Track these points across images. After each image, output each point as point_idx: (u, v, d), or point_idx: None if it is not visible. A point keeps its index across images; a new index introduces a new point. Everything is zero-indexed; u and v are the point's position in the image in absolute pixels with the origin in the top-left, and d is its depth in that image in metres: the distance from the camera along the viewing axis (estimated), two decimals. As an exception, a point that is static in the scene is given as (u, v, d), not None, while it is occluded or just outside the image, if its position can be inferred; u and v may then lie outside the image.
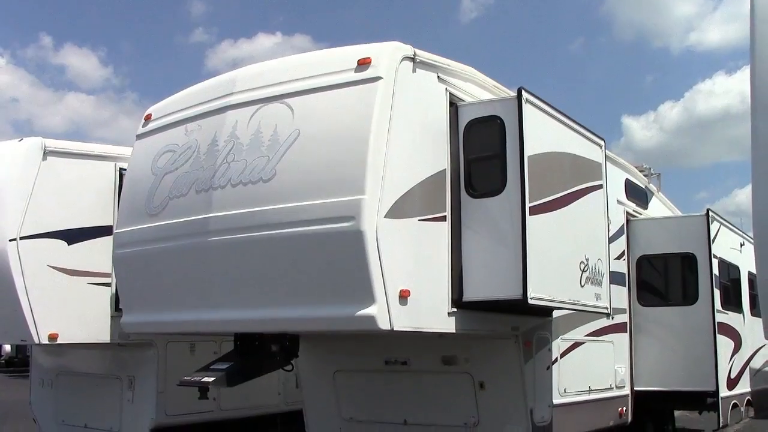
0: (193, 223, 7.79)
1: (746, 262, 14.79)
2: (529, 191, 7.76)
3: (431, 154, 7.72)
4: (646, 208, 13.84)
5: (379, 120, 7.06)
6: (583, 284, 8.94)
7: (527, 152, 7.78)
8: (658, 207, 14.65)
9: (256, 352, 8.24)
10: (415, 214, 7.37)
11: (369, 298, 6.76)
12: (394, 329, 6.87)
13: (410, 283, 7.09)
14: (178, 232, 7.94)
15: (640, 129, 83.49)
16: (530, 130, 7.86)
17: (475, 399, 9.29)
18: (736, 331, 13.59)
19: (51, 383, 12.83)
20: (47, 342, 10.61)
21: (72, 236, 10.92)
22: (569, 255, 8.73)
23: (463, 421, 9.42)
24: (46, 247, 10.57)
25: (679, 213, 16.11)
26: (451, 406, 9.54)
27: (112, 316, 11.11)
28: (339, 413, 10.39)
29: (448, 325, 7.71)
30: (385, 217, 6.92)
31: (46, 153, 10.75)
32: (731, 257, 13.77)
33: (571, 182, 8.92)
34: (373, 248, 6.77)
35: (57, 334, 10.59)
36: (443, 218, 7.76)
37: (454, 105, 8.16)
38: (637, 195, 13.43)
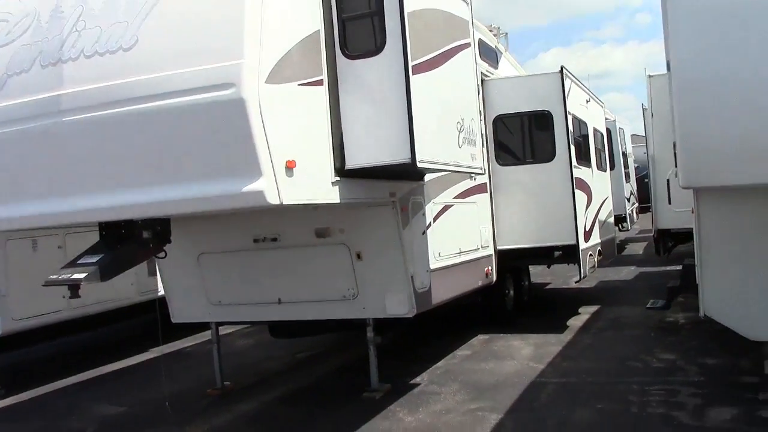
0: (41, 102, 6.87)
1: (592, 119, 15.10)
2: (411, 50, 7.33)
3: (305, 13, 7.13)
4: (497, 68, 13.76)
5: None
6: (460, 145, 8.72)
7: (407, 8, 7.31)
8: (507, 67, 14.63)
9: (126, 241, 7.58)
10: (294, 78, 6.80)
11: (255, 172, 6.23)
12: (283, 203, 6.40)
13: (295, 153, 6.60)
14: (22, 114, 6.97)
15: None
16: (408, -18, 7.36)
17: (353, 270, 9.05)
18: (588, 185, 13.92)
19: None
20: None
21: None
22: (447, 116, 8.44)
23: (342, 294, 9.20)
24: None
25: (524, 72, 16.19)
26: (327, 280, 9.27)
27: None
28: (206, 298, 9.96)
29: (333, 195, 7.30)
30: (265, 82, 6.35)
31: None
32: (581, 114, 13.95)
33: (445, 41, 8.53)
34: (257, 117, 6.19)
35: None
36: (320, 82, 7.24)
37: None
38: (489, 55, 13.33)
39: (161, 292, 12.50)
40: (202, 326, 11.70)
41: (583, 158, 13.86)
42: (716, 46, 6.30)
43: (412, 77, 7.27)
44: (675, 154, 6.74)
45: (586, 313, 13.93)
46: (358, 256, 8.98)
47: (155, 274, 12.88)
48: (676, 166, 6.84)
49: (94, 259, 7.29)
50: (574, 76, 13.53)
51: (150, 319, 14.20)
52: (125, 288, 12.47)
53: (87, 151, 6.80)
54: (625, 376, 9.36)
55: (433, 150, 7.76)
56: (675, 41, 6.36)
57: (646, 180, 31.16)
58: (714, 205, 7.23)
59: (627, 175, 26.04)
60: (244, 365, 11.85)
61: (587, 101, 14.91)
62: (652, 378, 9.12)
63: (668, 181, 13.73)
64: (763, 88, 6.00)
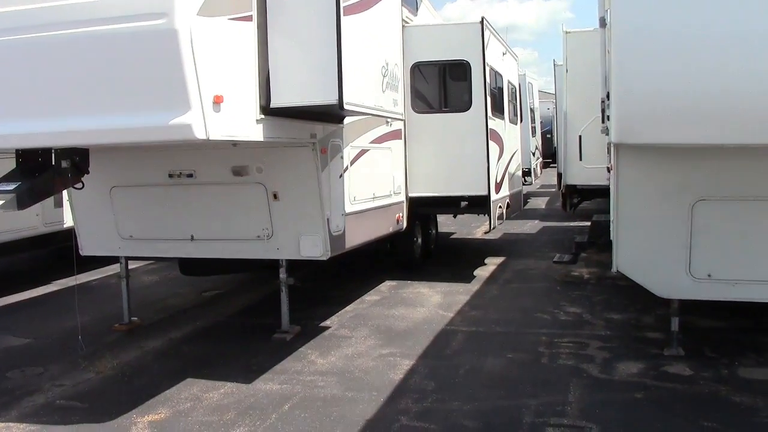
0: (-41, 20, 6.60)
1: (507, 71, 15.26)
2: (342, -10, 7.26)
3: (235, -55, 6.97)
4: (417, 16, 13.72)
5: None
6: (384, 90, 8.74)
7: (336, -53, 7.20)
8: (427, 15, 14.58)
9: (43, 170, 7.35)
10: (224, 12, 6.66)
11: (183, 105, 6.10)
12: (210, 138, 6.29)
13: (223, 89, 6.48)
14: None
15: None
16: None
17: (269, 210, 9.00)
18: (501, 137, 14.13)
19: None
20: None
21: None
22: (373, 60, 8.45)
23: (256, 234, 9.15)
24: None
25: (442, 21, 16.19)
26: (242, 218, 9.19)
27: None
28: (117, 232, 9.77)
29: (257, 133, 7.22)
30: (197, 14, 6.20)
31: None
32: (498, 66, 14.07)
33: (372, -17, 8.50)
34: (187, 49, 6.05)
35: None
36: (250, 18, 7.11)
37: None
38: (410, 2, 13.24)
39: (67, 224, 12.28)
40: (108, 260, 11.49)
41: (498, 110, 14.03)
42: (659, -1, 6.36)
43: (342, 18, 7.21)
44: (603, 109, 6.86)
45: (492, 264, 14.19)
46: (275, 197, 8.93)
47: (61, 206, 12.61)
48: (603, 122, 6.97)
49: (10, 186, 7.06)
50: (492, 28, 13.61)
51: (53, 251, 14.00)
52: (30, 218, 12.13)
53: (7, 74, 6.53)
54: (533, 327, 9.60)
55: (359, 93, 7.75)
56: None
57: (548, 136, 31.98)
58: (633, 163, 7.39)
59: (533, 129, 26.52)
60: (150, 302, 11.70)
61: (504, 54, 15.05)
62: (560, 330, 9.38)
63: (580, 137, 14.03)
64: (707, 44, 6.07)
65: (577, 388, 7.29)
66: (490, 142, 12.72)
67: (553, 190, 24.90)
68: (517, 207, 16.82)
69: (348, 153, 9.67)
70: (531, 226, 19.74)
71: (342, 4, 7.23)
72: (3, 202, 6.87)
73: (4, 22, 6.43)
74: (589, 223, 16.39)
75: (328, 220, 8.97)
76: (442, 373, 7.87)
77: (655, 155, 7.32)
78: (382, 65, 8.64)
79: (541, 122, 29.88)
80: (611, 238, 8.04)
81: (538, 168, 28.61)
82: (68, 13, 6.22)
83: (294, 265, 9.48)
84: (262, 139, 7.33)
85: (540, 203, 25.99)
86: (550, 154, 31.08)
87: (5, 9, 6.44)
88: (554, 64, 19.50)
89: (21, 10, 6.37)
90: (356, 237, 9.88)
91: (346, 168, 9.59)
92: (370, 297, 11.55)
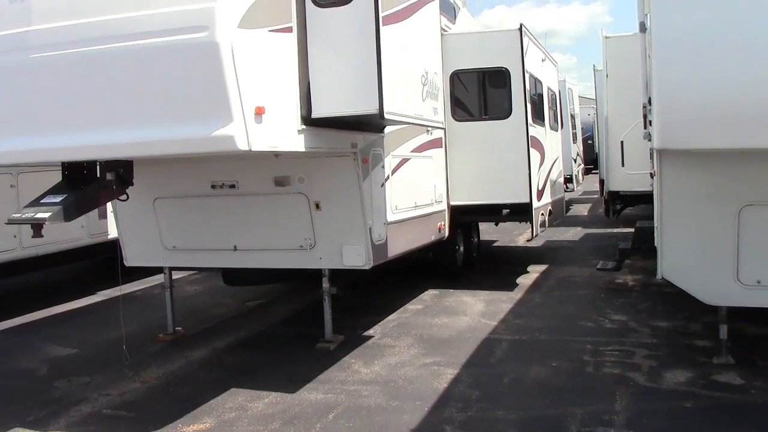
0: (9, 38, 6.68)
1: (546, 78, 15.18)
2: (381, 0, 7.27)
3: (274, -42, 7.02)
4: (455, 23, 13.72)
5: None
6: (424, 98, 8.73)
7: (375, -42, 7.23)
8: (465, 22, 14.57)
9: (88, 183, 7.45)
10: (264, 24, 6.71)
11: (226, 117, 6.15)
12: (252, 149, 6.32)
13: (264, 100, 6.52)
14: None
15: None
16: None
17: (311, 220, 9.04)
18: (542, 144, 14.05)
19: None
20: None
21: None
22: (413, 69, 8.44)
23: (299, 244, 9.19)
24: None
25: (480, 28, 16.18)
26: (285, 228, 9.24)
27: None
28: (161, 243, 9.88)
29: (298, 143, 7.25)
30: (238, 27, 6.25)
31: None
32: (537, 72, 14.00)
33: (411, -7, 8.52)
34: (229, 61, 6.10)
35: None
36: (290, 29, 7.15)
37: None
38: (448, 10, 13.23)
39: (112, 235, 12.42)
40: (152, 270, 11.60)
41: (538, 117, 13.96)
42: (700, 2, 6.25)
43: (382, 28, 7.22)
44: (645, 115, 6.76)
45: (535, 271, 14.11)
46: (317, 206, 8.97)
47: (106, 217, 12.78)
48: (645, 127, 6.88)
49: (57, 198, 7.16)
50: (531, 34, 13.56)
51: (98, 262, 14.19)
52: (76, 230, 12.31)
53: (53, 89, 6.63)
54: (577, 335, 9.51)
55: (399, 102, 7.75)
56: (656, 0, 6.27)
57: (589, 142, 31.72)
58: (677, 168, 7.27)
59: (574, 135, 26.34)
60: (194, 311, 11.80)
61: (543, 60, 14.97)
62: (605, 338, 9.27)
63: (622, 143, 13.88)
64: (749, 48, 5.97)
65: (624, 396, 7.20)
66: (531, 149, 12.66)
67: (596, 196, 24.74)
68: (560, 214, 16.71)
69: (389, 162, 9.68)
70: (574, 233, 19.61)
71: (381, 14, 7.24)
72: (50, 214, 6.96)
73: (48, 38, 6.53)
74: (632, 230, 16.20)
75: (370, 229, 8.98)
76: (486, 381, 7.82)
77: (699, 160, 7.20)
78: (421, 74, 8.63)
79: (582, 128, 29.63)
80: (656, 244, 7.90)
81: (580, 174, 28.38)
82: (112, 27, 6.30)
83: (336, 274, 9.49)
84: (303, 150, 7.35)
85: (582, 210, 25.82)
86: (591, 160, 30.83)
87: (50, 25, 6.54)
88: (594, 70, 19.39)
89: (66, 25, 6.47)
90: (398, 246, 9.88)
91: (388, 177, 9.59)
92: (413, 306, 11.54)
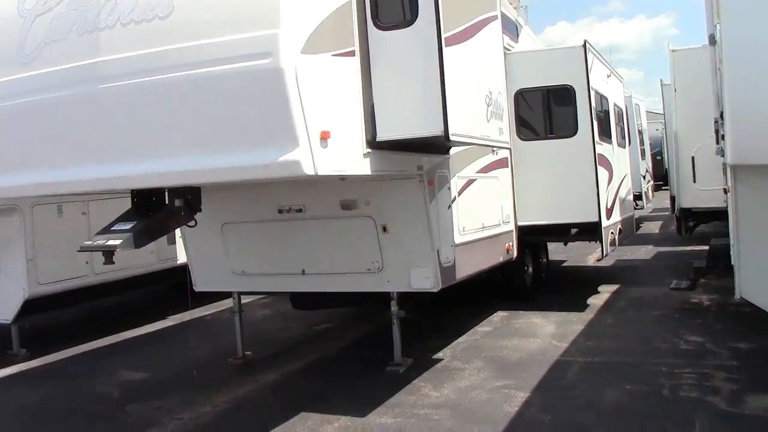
0: (78, 69, 6.83)
1: (612, 94, 14.99)
2: (443, 22, 7.24)
3: (336, -17, 7.05)
4: (518, 42, 13.65)
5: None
6: (489, 119, 8.67)
7: (438, -21, 7.22)
8: (527, 41, 14.51)
9: (157, 209, 7.56)
10: (328, 49, 6.74)
11: (291, 142, 6.17)
12: (318, 174, 6.34)
13: (329, 124, 6.53)
14: (59, 82, 6.95)
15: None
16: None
17: (378, 243, 9.02)
18: (609, 161, 13.85)
19: None
20: None
21: None
22: (477, 89, 8.38)
23: (366, 267, 9.17)
24: None
25: (543, 46, 16.06)
26: (352, 252, 9.24)
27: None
28: (229, 268, 9.96)
29: (364, 167, 7.25)
30: (301, 52, 6.28)
31: None
32: (602, 89, 13.84)
33: (474, 13, 8.49)
34: (293, 87, 6.12)
35: None
36: (353, 53, 7.17)
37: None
38: (510, 28, 13.18)
39: (181, 260, 12.60)
40: (222, 295, 11.70)
41: (605, 134, 13.76)
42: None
43: (444, 49, 7.19)
44: (717, 129, 6.60)
45: (606, 291, 13.86)
46: (384, 229, 8.95)
47: (174, 243, 12.95)
48: (718, 142, 6.71)
49: (127, 226, 7.29)
50: (596, 51, 13.42)
51: (168, 287, 14.40)
52: (145, 256, 12.47)
53: (123, 118, 6.76)
54: (652, 357, 9.26)
55: (464, 123, 7.70)
56: (726, 11, 6.13)
57: (658, 157, 31.22)
58: (753, 183, 7.06)
59: (642, 152, 25.95)
60: (263, 335, 11.86)
61: (608, 76, 14.79)
62: (682, 360, 8.99)
63: (693, 158, 13.62)
64: None
65: (704, 422, 6.98)
66: (599, 167, 12.48)
67: (667, 213, 24.31)
68: (630, 232, 16.41)
69: (455, 183, 9.63)
70: (645, 252, 19.24)
71: (443, 35, 7.21)
72: (121, 241, 7.09)
73: (116, 69, 6.66)
74: (707, 248, 15.88)
75: (438, 251, 8.93)
76: (558, 405, 7.69)
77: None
78: (486, 94, 8.57)
79: (650, 144, 29.17)
80: (732, 262, 7.67)
81: (650, 191, 27.90)
82: (177, 56, 6.39)
83: (404, 297, 9.45)
84: (369, 173, 7.35)
85: (653, 228, 25.36)
86: (660, 176, 30.32)
87: (117, 56, 6.66)
88: (661, 84, 19.07)
89: (132, 56, 6.59)
90: (466, 268, 9.80)
91: (454, 199, 9.54)
92: (483, 328, 11.42)
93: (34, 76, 7.14)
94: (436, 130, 7.18)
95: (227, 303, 12.06)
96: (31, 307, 11.14)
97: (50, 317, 13.54)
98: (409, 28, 7.38)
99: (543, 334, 10.76)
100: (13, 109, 7.37)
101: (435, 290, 8.99)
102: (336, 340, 11.37)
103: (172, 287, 14.23)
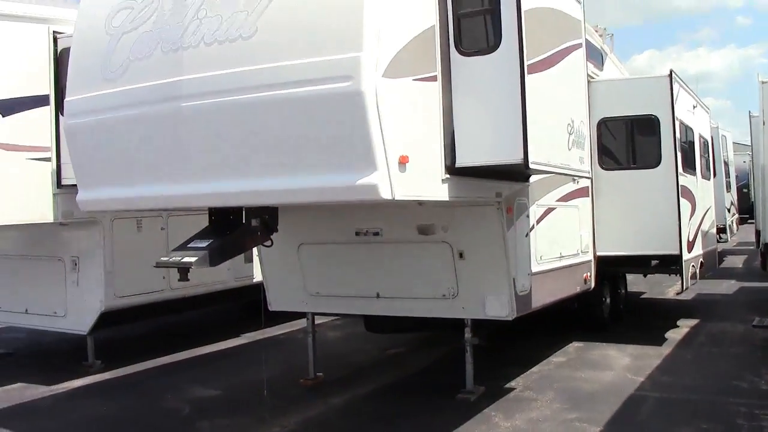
0: (162, 87, 6.97)
1: (698, 125, 14.69)
2: (526, 49, 7.18)
3: (421, 9, 7.04)
4: (602, 70, 13.50)
5: (372, -35, 6.30)
6: (570, 147, 8.55)
7: (523, 6, 7.15)
8: (612, 69, 14.35)
9: (234, 228, 7.63)
10: (409, 73, 6.71)
11: (370, 166, 6.16)
12: (396, 198, 6.31)
13: (408, 149, 6.51)
14: (143, 98, 7.11)
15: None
16: (524, -20, 7.21)
17: (455, 269, 8.97)
18: (693, 193, 13.57)
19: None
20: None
21: (5, 108, 10.01)
22: (559, 117, 8.27)
23: (441, 293, 9.13)
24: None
25: (628, 75, 15.85)
26: (428, 277, 9.21)
27: (54, 194, 10.41)
28: (304, 288, 10.01)
29: (443, 193, 7.20)
30: (382, 76, 6.27)
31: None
32: (688, 120, 13.58)
33: (558, 40, 8.38)
34: (373, 110, 6.12)
35: (-6, 216, 9.87)
36: (434, 78, 7.14)
37: (444, -46, 7.43)
38: (595, 56, 13.04)
39: (256, 278, 12.70)
40: (295, 314, 11.75)
41: (689, 165, 13.48)
42: None
43: (527, 77, 7.12)
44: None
45: (685, 326, 13.53)
46: (461, 256, 8.90)
47: (251, 261, 13.06)
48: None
49: (203, 243, 7.37)
50: (682, 81, 13.18)
51: (243, 305, 14.52)
52: (222, 273, 12.60)
53: (203, 137, 6.85)
54: (730, 396, 8.99)
55: (544, 151, 7.60)
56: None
57: (745, 190, 30.48)
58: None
59: (728, 184, 25.38)
60: (335, 357, 11.86)
61: (694, 106, 14.51)
62: (762, 401, 8.70)
63: (780, 192, 13.24)
64: None
65: (783, 465, 6.75)
66: (682, 198, 12.20)
67: (752, 247, 23.59)
68: (712, 266, 16.02)
69: (534, 212, 9.54)
70: (727, 287, 18.75)
71: (526, 63, 7.14)
72: (196, 259, 7.17)
73: (198, 88, 6.75)
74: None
75: (514, 279, 8.83)
76: (631, 442, 7.51)
77: None
78: (567, 122, 8.46)
79: (736, 176, 28.52)
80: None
81: (734, 224, 27.22)
82: (256, 77, 6.45)
83: (478, 324, 9.36)
84: (447, 199, 7.29)
85: (737, 262, 24.73)
86: (746, 209, 29.56)
87: (200, 75, 6.76)
88: (750, 116, 18.62)
89: (214, 75, 6.67)
90: (542, 297, 9.68)
91: (532, 227, 9.45)
92: (557, 358, 11.26)
93: (118, 93, 7.30)
94: (516, 158, 7.09)
95: (300, 323, 12.12)
96: (107, 319, 11.33)
97: (125, 330, 13.77)
98: (492, 54, 7.33)
99: (618, 367, 10.54)
100: (96, 125, 7.56)
101: (510, 319, 8.89)
102: (408, 365, 11.33)
103: (247, 305, 14.35)
